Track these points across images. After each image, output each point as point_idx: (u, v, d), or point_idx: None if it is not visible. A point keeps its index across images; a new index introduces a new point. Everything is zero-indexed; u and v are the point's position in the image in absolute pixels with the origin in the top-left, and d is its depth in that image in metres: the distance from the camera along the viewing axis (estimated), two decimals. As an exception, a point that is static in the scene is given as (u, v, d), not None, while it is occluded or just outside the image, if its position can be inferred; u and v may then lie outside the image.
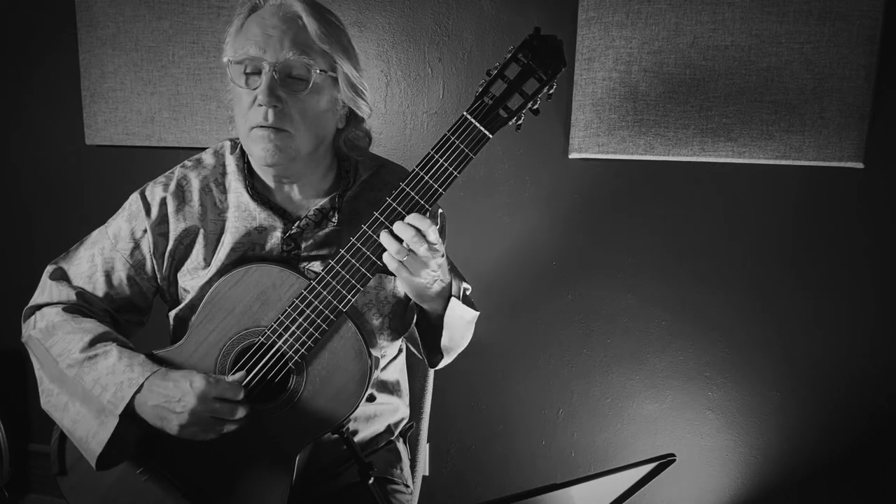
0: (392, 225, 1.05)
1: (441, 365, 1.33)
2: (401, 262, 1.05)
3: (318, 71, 1.10)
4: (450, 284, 1.19)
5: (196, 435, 1.07)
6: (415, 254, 1.03)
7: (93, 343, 1.12)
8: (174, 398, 1.05)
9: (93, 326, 1.14)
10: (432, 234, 1.03)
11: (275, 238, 1.19)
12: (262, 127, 1.09)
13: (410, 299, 1.27)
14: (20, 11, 2.13)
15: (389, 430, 1.37)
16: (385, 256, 1.06)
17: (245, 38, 1.10)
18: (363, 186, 1.24)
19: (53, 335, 1.14)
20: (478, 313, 1.29)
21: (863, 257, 1.75)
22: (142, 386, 1.07)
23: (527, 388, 1.99)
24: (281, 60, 1.07)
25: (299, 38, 1.09)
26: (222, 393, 1.05)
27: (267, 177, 1.20)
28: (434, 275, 1.10)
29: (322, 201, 1.21)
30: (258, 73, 1.08)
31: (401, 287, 1.25)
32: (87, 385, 1.09)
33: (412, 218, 1.04)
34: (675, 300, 1.87)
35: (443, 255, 1.08)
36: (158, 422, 1.07)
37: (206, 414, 1.05)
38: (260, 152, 1.11)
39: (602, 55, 1.74)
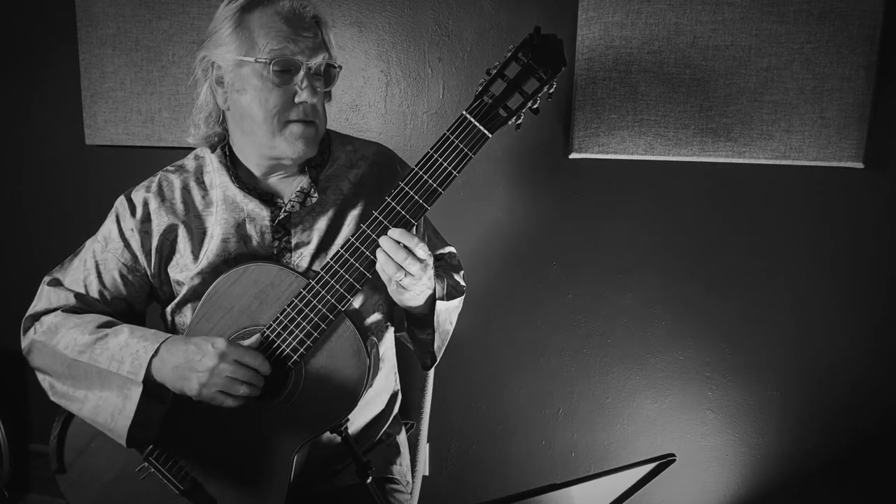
0: (391, 225, 1.07)
1: (433, 366, 1.34)
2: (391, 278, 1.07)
3: (338, 67, 1.17)
4: (432, 285, 1.19)
5: (216, 398, 1.07)
6: (407, 272, 1.06)
7: (99, 327, 1.13)
8: (196, 358, 1.06)
9: (95, 317, 1.16)
10: (421, 251, 1.06)
11: (265, 227, 1.20)
12: (302, 122, 1.13)
13: None
14: (21, 12, 2.13)
15: (384, 414, 1.36)
16: (378, 267, 1.08)
17: (268, 34, 1.10)
18: (342, 162, 1.27)
19: (58, 332, 1.15)
20: (462, 297, 1.30)
21: (863, 257, 1.75)
22: (158, 349, 1.08)
23: (527, 388, 1.99)
24: (318, 61, 1.13)
25: (326, 39, 1.15)
26: (242, 356, 1.06)
27: (252, 165, 1.22)
28: (424, 285, 1.12)
29: (302, 182, 1.23)
30: (287, 70, 1.11)
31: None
32: (103, 364, 1.10)
33: (398, 234, 1.06)
34: (675, 300, 1.87)
35: (430, 266, 1.11)
36: (179, 382, 1.07)
37: (225, 374, 1.05)
38: (300, 146, 1.15)
39: (602, 55, 1.74)
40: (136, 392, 1.08)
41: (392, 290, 1.13)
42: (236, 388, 1.06)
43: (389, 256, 1.06)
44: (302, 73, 1.11)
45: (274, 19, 1.10)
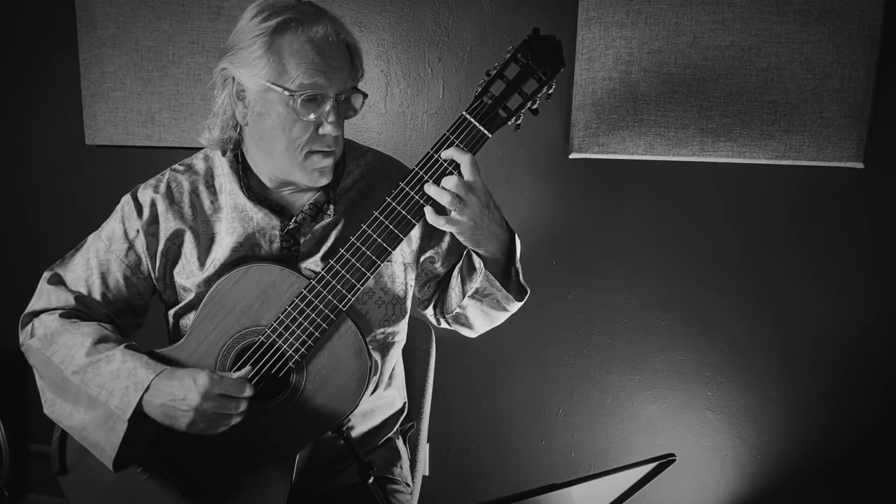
0: (391, 225, 1.07)
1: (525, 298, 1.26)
2: (446, 218, 1.05)
3: (365, 95, 1.15)
4: (504, 225, 1.16)
5: (205, 430, 1.07)
6: (463, 202, 1.05)
7: (95, 346, 1.12)
8: (179, 396, 1.05)
9: (92, 330, 1.14)
10: (473, 174, 1.05)
11: (274, 236, 1.19)
12: (323, 153, 1.13)
13: (411, 296, 1.29)
14: (21, 12, 2.14)
15: (387, 424, 1.37)
16: (428, 215, 1.06)
17: (299, 64, 1.07)
18: (354, 176, 1.25)
19: (54, 343, 1.14)
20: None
21: (863, 258, 1.75)
22: (148, 387, 1.07)
23: (527, 388, 1.99)
24: (345, 93, 1.12)
25: (355, 67, 1.14)
26: (226, 389, 1.05)
27: (264, 178, 1.21)
28: (491, 219, 1.09)
29: (316, 195, 1.21)
30: (314, 99, 1.09)
31: (399, 270, 1.25)
32: (93, 391, 1.09)
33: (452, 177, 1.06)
34: (675, 300, 1.87)
35: (486, 193, 1.09)
36: (167, 420, 1.07)
37: (210, 411, 1.05)
38: (316, 176, 1.15)
39: (602, 55, 1.74)
40: (121, 428, 1.08)
41: (453, 228, 1.08)
42: (224, 421, 1.07)
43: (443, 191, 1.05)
44: (328, 105, 1.09)
45: (306, 48, 1.07)
